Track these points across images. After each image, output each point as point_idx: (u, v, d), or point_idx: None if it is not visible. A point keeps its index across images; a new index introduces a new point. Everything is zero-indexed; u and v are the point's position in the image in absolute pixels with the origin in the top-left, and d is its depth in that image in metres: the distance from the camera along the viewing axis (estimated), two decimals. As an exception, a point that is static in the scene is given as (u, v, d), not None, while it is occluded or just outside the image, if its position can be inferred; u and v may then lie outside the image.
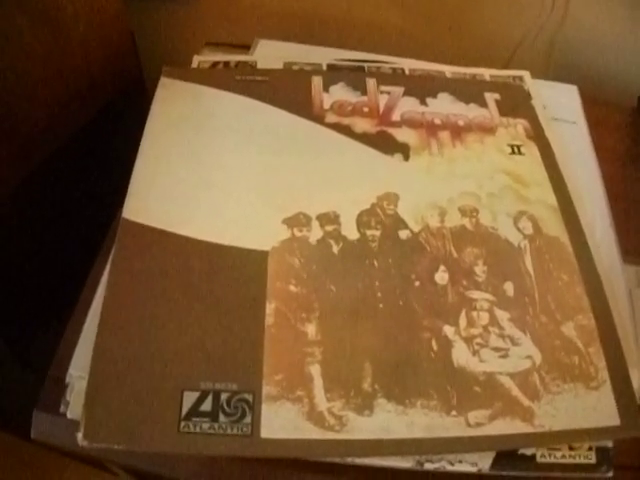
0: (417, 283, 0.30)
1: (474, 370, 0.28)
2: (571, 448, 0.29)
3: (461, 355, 0.28)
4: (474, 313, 0.30)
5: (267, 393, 0.27)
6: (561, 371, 0.29)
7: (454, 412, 0.27)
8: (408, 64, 0.40)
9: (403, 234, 0.32)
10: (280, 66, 0.39)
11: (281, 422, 0.26)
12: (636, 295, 0.33)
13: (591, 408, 0.28)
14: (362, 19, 0.49)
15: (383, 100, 0.37)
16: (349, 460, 0.27)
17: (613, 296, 0.32)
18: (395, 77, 0.39)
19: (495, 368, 0.28)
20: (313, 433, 0.26)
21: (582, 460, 0.29)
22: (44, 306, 0.43)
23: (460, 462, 0.28)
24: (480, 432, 0.27)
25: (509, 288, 0.31)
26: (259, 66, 0.39)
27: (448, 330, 0.29)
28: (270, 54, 0.39)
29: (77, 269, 0.33)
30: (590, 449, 0.29)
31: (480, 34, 0.48)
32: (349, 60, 0.40)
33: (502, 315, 0.30)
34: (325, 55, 0.40)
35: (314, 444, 0.26)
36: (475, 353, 0.29)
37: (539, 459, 0.28)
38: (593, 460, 0.29)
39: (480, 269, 0.31)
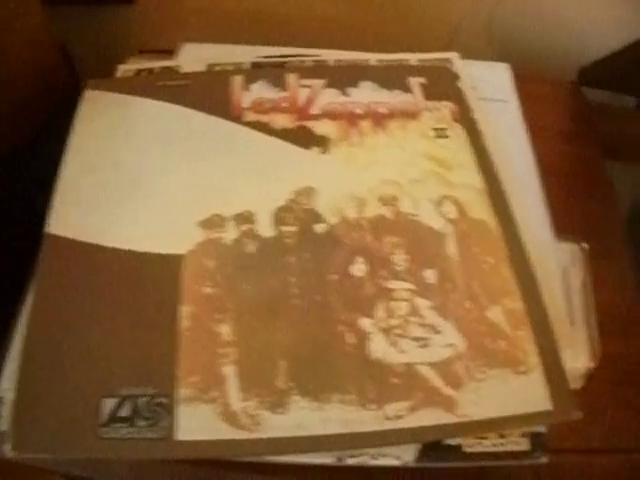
0: (334, 277, 0.30)
1: (392, 362, 0.28)
2: (502, 436, 0.28)
3: (378, 347, 0.28)
4: (393, 303, 0.29)
5: (183, 396, 0.27)
6: (487, 357, 0.28)
7: (372, 406, 0.27)
8: (335, 56, 0.40)
9: (319, 228, 0.31)
10: (203, 68, 0.39)
11: (197, 424, 0.26)
12: (570, 273, 0.32)
13: (520, 394, 0.27)
14: (298, 13, 0.48)
15: (304, 94, 0.36)
16: (267, 459, 0.27)
17: (545, 276, 0.31)
18: (317, 70, 0.38)
19: (415, 358, 0.28)
20: (228, 433, 0.26)
21: (514, 447, 0.28)
22: None
23: (383, 456, 0.27)
24: (399, 425, 0.26)
25: (431, 275, 0.30)
26: (183, 70, 0.39)
27: (365, 322, 0.28)
28: (195, 57, 0.39)
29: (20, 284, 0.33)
30: (523, 435, 0.28)
31: (417, 18, 0.47)
32: (274, 57, 0.39)
33: (423, 304, 0.29)
34: (251, 54, 0.39)
35: (229, 444, 0.26)
36: (393, 344, 0.28)
37: (465, 449, 0.28)
38: (526, 447, 0.28)
39: (400, 258, 0.30)
